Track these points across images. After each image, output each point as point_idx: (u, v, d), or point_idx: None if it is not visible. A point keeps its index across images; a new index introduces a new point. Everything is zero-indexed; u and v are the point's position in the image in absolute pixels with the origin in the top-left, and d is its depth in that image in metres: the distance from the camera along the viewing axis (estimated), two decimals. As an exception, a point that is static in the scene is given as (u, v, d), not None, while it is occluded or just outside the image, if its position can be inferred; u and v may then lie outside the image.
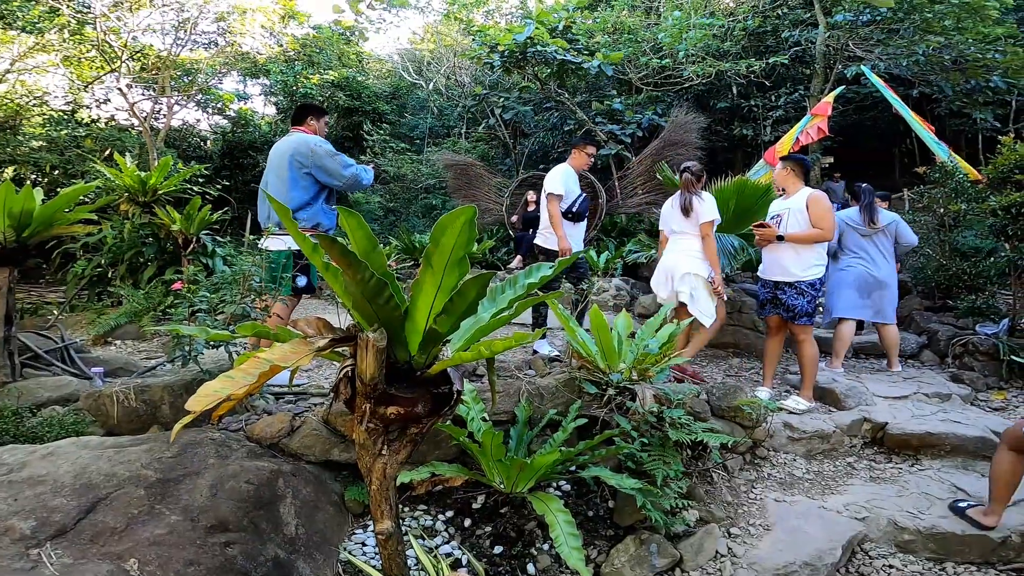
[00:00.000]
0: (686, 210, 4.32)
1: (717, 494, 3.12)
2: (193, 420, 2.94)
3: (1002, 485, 2.87)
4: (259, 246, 3.68)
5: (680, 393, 3.18)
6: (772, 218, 4.32)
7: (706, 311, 4.27)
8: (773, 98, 12.25)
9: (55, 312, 6.44)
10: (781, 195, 4.45)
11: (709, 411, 3.49)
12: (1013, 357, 4.98)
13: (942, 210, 6.38)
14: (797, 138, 8.71)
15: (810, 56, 11.62)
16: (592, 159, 5.09)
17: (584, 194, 4.90)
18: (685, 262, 4.31)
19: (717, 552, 2.74)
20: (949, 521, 2.97)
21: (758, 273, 4.47)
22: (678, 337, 4.15)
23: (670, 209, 4.50)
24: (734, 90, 12.94)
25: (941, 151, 7.98)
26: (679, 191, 4.42)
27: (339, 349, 1.84)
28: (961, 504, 3.11)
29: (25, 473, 2.26)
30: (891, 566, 2.85)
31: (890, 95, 8.76)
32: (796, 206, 4.18)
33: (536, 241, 4.92)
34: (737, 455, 3.56)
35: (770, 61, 11.09)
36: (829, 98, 9.06)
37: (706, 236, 4.31)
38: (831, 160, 13.08)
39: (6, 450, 2.45)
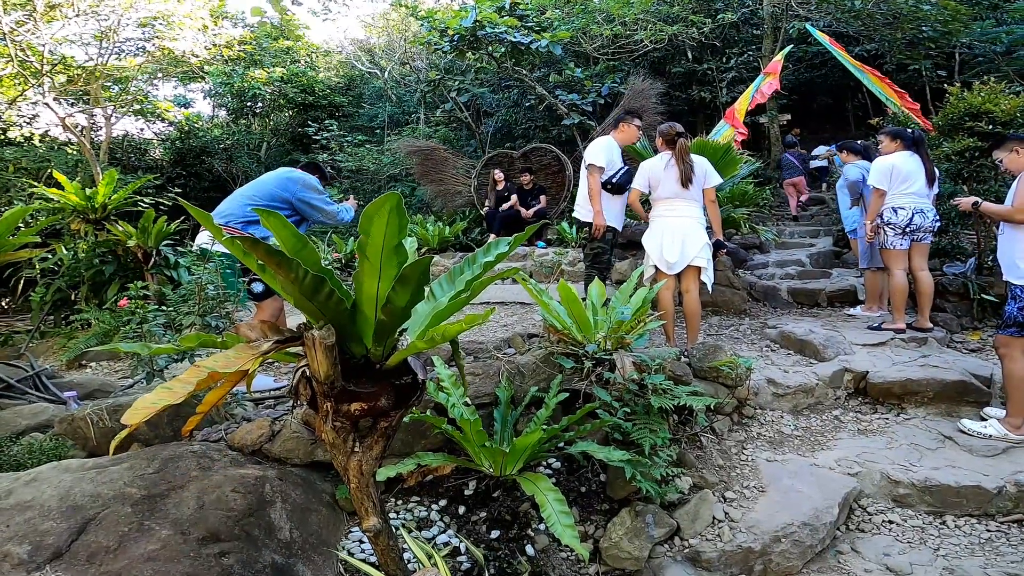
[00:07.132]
0: (687, 179, 4.20)
1: (708, 458, 3.12)
2: (173, 434, 2.92)
3: (898, 301, 4.66)
4: (211, 250, 3.58)
5: (659, 358, 3.14)
6: None
7: (712, 276, 4.34)
8: (726, 60, 12.33)
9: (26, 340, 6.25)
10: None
11: (691, 373, 3.47)
12: (983, 295, 5.10)
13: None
14: (753, 97, 8.83)
15: (759, 18, 11.73)
16: (640, 131, 4.95)
17: (627, 167, 4.68)
18: (700, 232, 4.25)
19: (714, 518, 2.74)
20: (942, 473, 2.99)
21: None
22: (666, 303, 4.16)
23: (661, 171, 4.25)
24: (689, 55, 12.98)
25: (891, 103, 8.15)
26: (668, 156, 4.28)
27: (291, 350, 1.78)
28: (874, 324, 4.85)
29: (12, 500, 2.25)
30: (890, 521, 2.86)
31: (835, 51, 8.90)
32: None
33: (575, 214, 4.84)
34: (724, 416, 3.56)
35: (718, 19, 11.15)
36: (779, 57, 9.24)
37: (714, 201, 4.35)
38: (788, 117, 13.33)
39: (-9, 479, 2.42)
